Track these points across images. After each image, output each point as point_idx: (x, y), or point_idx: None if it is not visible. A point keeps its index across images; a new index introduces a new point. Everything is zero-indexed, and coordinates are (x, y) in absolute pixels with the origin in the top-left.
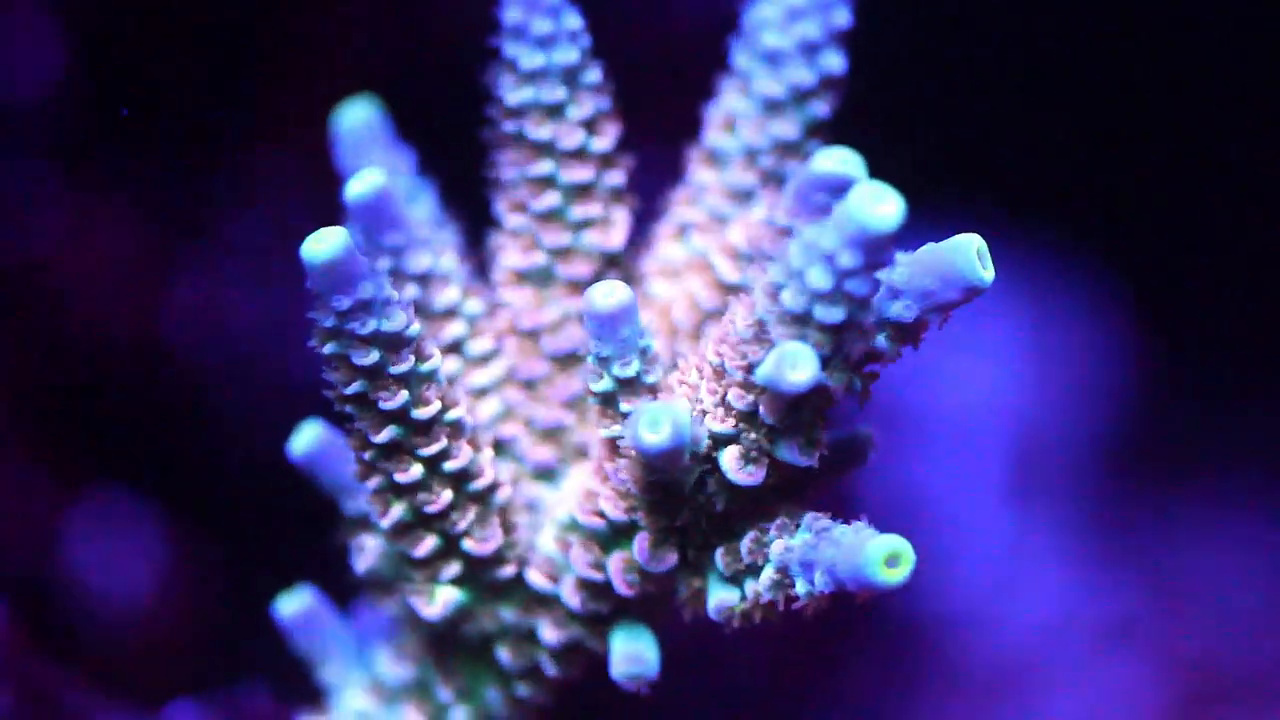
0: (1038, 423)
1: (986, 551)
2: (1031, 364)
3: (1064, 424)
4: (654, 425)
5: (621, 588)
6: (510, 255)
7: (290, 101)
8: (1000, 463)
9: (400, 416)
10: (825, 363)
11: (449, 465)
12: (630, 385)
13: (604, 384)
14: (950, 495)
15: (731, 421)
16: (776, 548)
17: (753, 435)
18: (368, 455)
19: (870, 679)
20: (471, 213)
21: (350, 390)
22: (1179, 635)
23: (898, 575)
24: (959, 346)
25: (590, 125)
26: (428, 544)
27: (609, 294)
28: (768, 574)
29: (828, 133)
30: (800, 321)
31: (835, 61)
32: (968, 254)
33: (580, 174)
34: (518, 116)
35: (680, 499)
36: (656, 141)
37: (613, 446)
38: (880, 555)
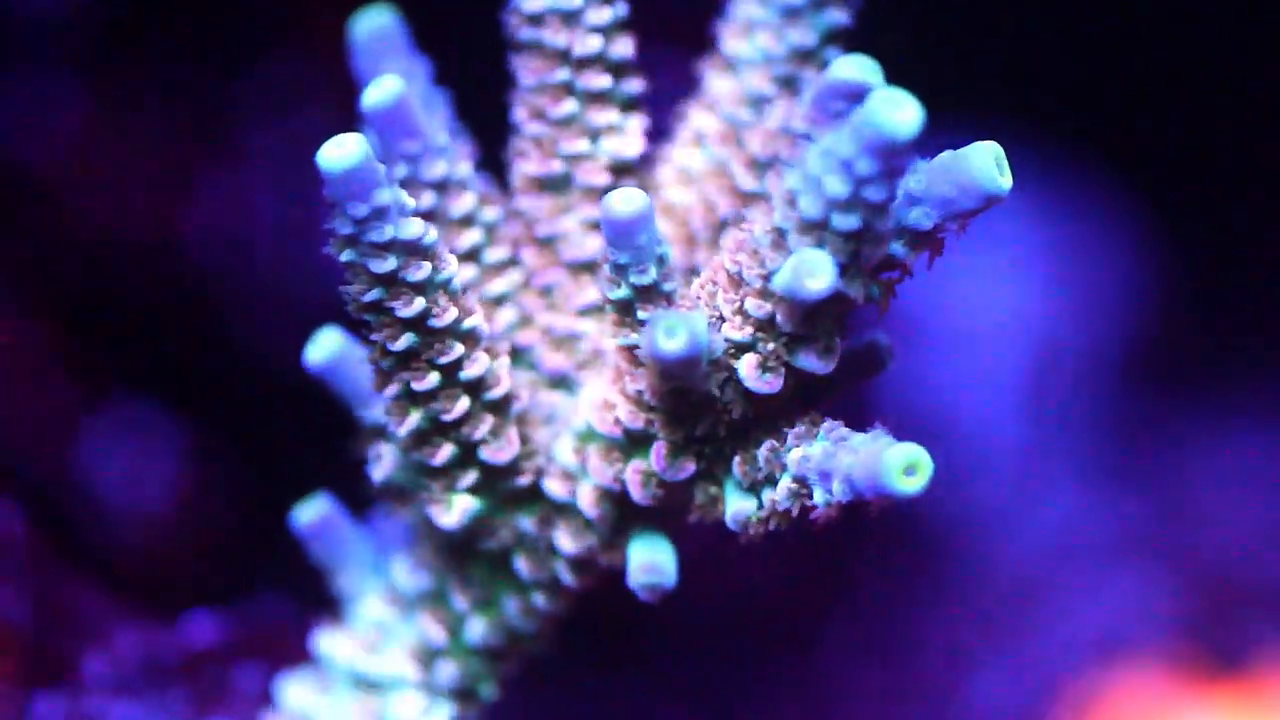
0: (1054, 334)
1: (1002, 463)
2: (1048, 276)
3: (1080, 336)
4: (671, 333)
5: (639, 497)
6: (528, 162)
7: (308, 9)
8: (1016, 374)
9: (417, 324)
10: (843, 270)
11: (465, 373)
12: (647, 293)
13: (621, 292)
14: (966, 406)
15: (749, 329)
16: (794, 456)
17: (770, 343)
18: (384, 363)
19: (886, 589)
20: (485, 124)
21: (367, 298)
22: (1193, 547)
23: (915, 484)
24: (976, 257)
25: (607, 32)
26: (445, 452)
27: (626, 201)
28: (785, 483)
29: (845, 40)
30: (817, 229)
31: None
32: (986, 161)
33: (598, 81)
34: (535, 23)
35: (698, 407)
36: (674, 49)
37: (630, 355)
38: (898, 464)
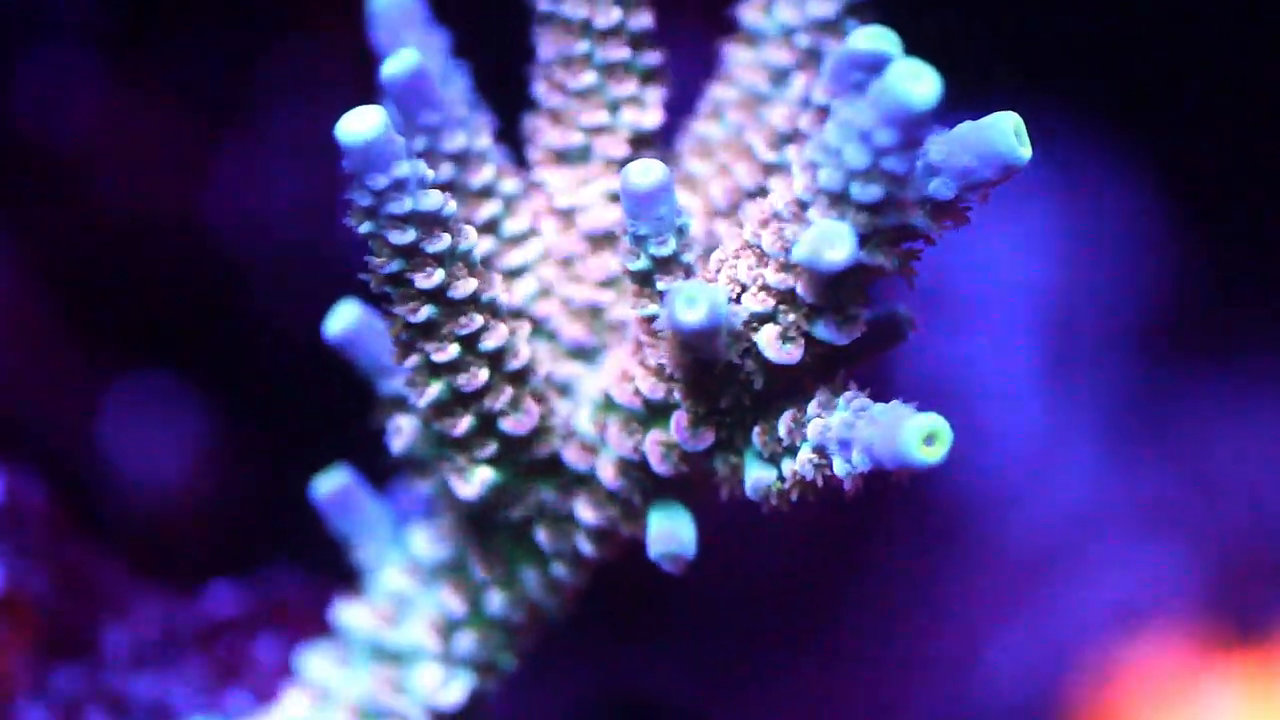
0: (1073, 303)
1: (1022, 432)
2: (1067, 244)
3: (1099, 305)
4: (691, 304)
5: (659, 467)
6: (547, 134)
7: None
8: (1035, 344)
9: (437, 296)
10: (863, 241)
11: (485, 344)
12: (667, 264)
13: (640, 263)
14: (985, 376)
15: (769, 300)
16: (814, 427)
17: (790, 314)
18: (404, 335)
19: (906, 559)
20: (504, 96)
21: (387, 270)
22: (1213, 517)
23: (935, 454)
24: (995, 226)
25: (627, 4)
26: (464, 423)
27: (645, 172)
28: (805, 453)
29: (865, 11)
30: (838, 200)
31: None
32: (1005, 131)
33: (617, 53)
34: None
35: (718, 378)
36: (694, 21)
37: (650, 326)
38: (918, 434)
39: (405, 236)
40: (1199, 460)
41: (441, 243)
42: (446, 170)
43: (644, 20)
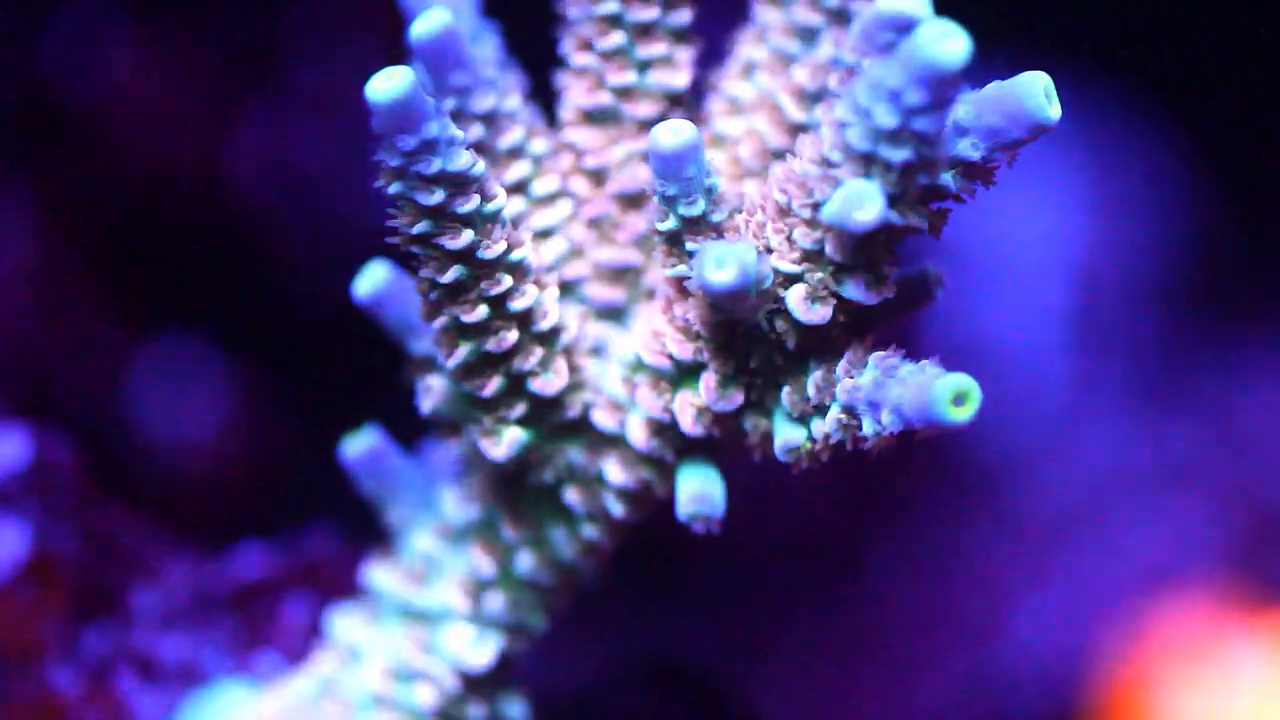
0: (1099, 266)
1: (1048, 392)
2: (1093, 207)
3: (1125, 267)
4: (720, 264)
5: (688, 428)
6: (576, 94)
7: None
8: (1062, 303)
9: (465, 256)
10: (892, 201)
11: (514, 305)
12: (696, 224)
13: (670, 223)
14: (1013, 336)
15: (798, 260)
16: (843, 387)
17: (819, 274)
18: (433, 296)
19: (934, 520)
20: (533, 56)
21: (415, 230)
22: (1239, 475)
23: (965, 414)
24: (1021, 188)
25: None
26: (494, 384)
27: (674, 133)
28: (834, 413)
29: None
30: (866, 160)
31: None
32: (1034, 91)
33: (646, 13)
34: None
35: (747, 338)
36: None
37: (679, 286)
38: (948, 393)
39: (434, 197)
40: (1226, 420)
41: (470, 203)
42: (475, 131)
43: None
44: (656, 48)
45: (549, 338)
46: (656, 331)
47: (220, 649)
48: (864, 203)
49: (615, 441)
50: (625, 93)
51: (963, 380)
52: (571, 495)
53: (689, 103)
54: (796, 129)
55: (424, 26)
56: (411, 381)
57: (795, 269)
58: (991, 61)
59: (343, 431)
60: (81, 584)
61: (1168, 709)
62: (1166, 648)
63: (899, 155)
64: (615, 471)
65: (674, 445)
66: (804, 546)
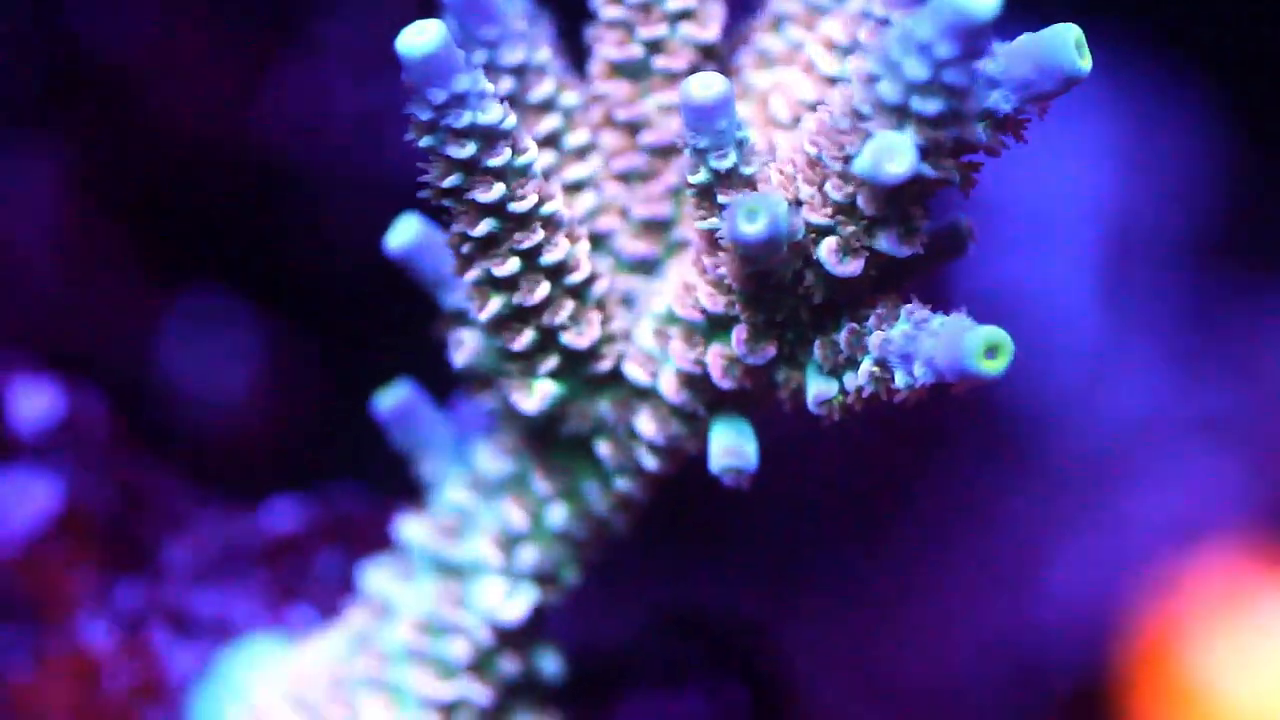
0: (1130, 217)
1: (1079, 346)
2: (1124, 158)
3: (1157, 218)
4: (751, 217)
5: (720, 380)
6: (606, 47)
7: None
8: (1093, 258)
9: (497, 210)
10: (923, 153)
11: (546, 258)
12: (727, 177)
13: (701, 176)
14: (1044, 290)
15: (829, 213)
16: (875, 340)
17: (851, 227)
18: (465, 249)
19: (965, 472)
20: (563, 8)
21: (447, 184)
22: (1270, 429)
23: (997, 366)
24: (1052, 140)
25: None
26: (525, 337)
27: (705, 86)
28: (866, 366)
29: None
30: (897, 113)
31: None
32: (1066, 42)
33: None
34: None
35: (778, 291)
36: None
37: (710, 239)
38: (980, 346)
39: (465, 151)
40: (1258, 371)
41: (502, 157)
42: (506, 84)
43: None
44: (687, 0)
45: (581, 291)
46: (688, 284)
47: (253, 603)
48: (895, 155)
49: (647, 394)
50: (656, 45)
51: (995, 333)
52: (603, 448)
53: (720, 55)
54: (827, 81)
55: None
56: (443, 335)
57: (827, 222)
58: (1022, 14)
59: (374, 386)
60: (113, 538)
61: (1198, 661)
62: (1198, 599)
63: (930, 107)
64: (647, 425)
65: (706, 398)
66: (836, 500)
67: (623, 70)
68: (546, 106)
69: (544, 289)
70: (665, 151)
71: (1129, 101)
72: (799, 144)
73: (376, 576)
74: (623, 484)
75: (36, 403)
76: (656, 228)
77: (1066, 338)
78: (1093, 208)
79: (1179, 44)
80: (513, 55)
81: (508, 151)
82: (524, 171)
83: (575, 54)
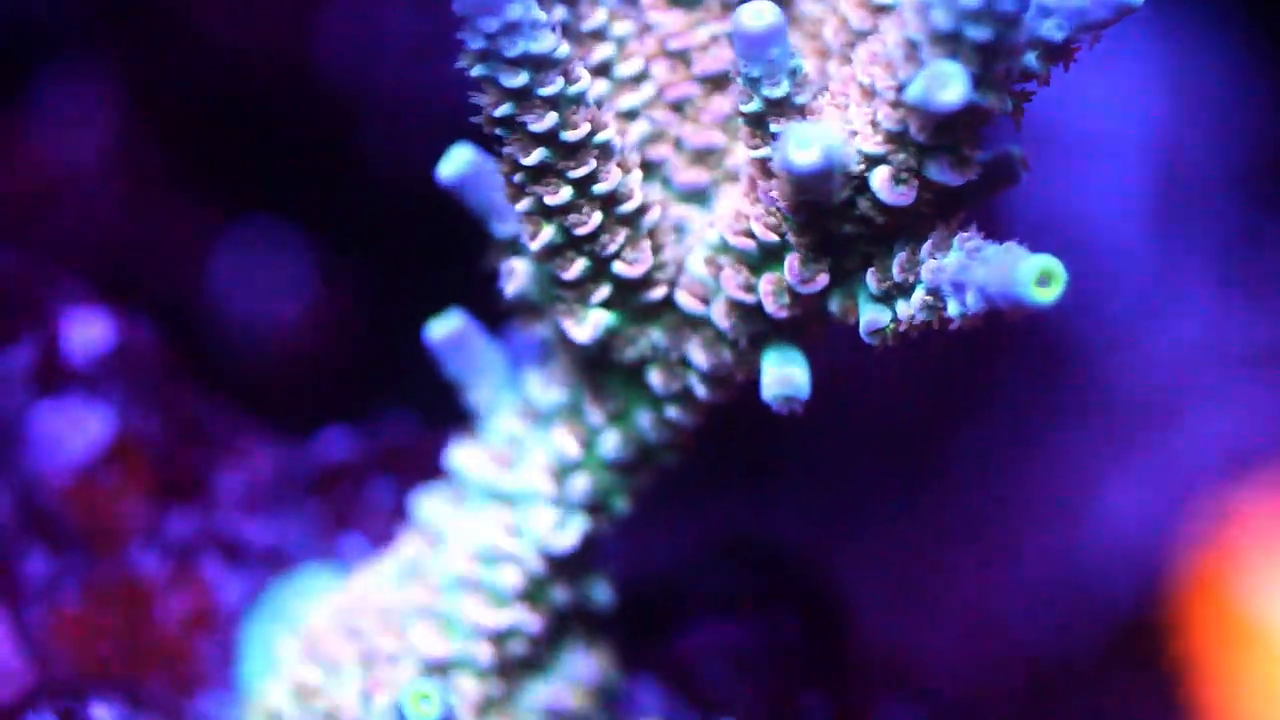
0: (1181, 147)
1: (1132, 276)
2: (1174, 87)
3: (1207, 148)
4: (804, 145)
5: (772, 309)
6: None
7: None
8: (1145, 187)
9: (549, 139)
10: (976, 82)
11: (598, 187)
12: (780, 106)
13: (753, 105)
14: (1096, 219)
15: (882, 142)
16: (928, 268)
17: (903, 155)
18: (517, 178)
19: (1016, 402)
20: None
21: (499, 113)
22: None
23: (1050, 294)
24: (1103, 70)
25: None
26: (577, 266)
27: (758, 15)
28: (919, 294)
29: None
30: (951, 40)
31: None
32: None
33: None
34: None
35: (830, 220)
36: None
37: (763, 168)
38: (1033, 274)
39: (517, 79)
40: None
41: (554, 86)
42: (559, 13)
43: None
44: None
45: (633, 219)
46: (740, 213)
47: (305, 532)
48: (948, 83)
49: (699, 323)
50: None
51: (1048, 261)
52: (655, 377)
53: None
54: (880, 9)
55: None
56: (495, 264)
57: (879, 151)
58: None
59: (425, 315)
60: (165, 467)
61: (1251, 590)
62: (1250, 529)
63: (983, 35)
64: (699, 353)
65: (758, 327)
66: (889, 430)
67: (676, 0)
68: (599, 35)
69: (596, 218)
70: (718, 80)
71: (1179, 29)
72: (851, 73)
73: (428, 505)
74: (674, 412)
75: (89, 332)
76: (709, 156)
77: (1118, 267)
78: (1144, 137)
79: None
80: None
81: (560, 80)
82: (577, 100)
83: None
